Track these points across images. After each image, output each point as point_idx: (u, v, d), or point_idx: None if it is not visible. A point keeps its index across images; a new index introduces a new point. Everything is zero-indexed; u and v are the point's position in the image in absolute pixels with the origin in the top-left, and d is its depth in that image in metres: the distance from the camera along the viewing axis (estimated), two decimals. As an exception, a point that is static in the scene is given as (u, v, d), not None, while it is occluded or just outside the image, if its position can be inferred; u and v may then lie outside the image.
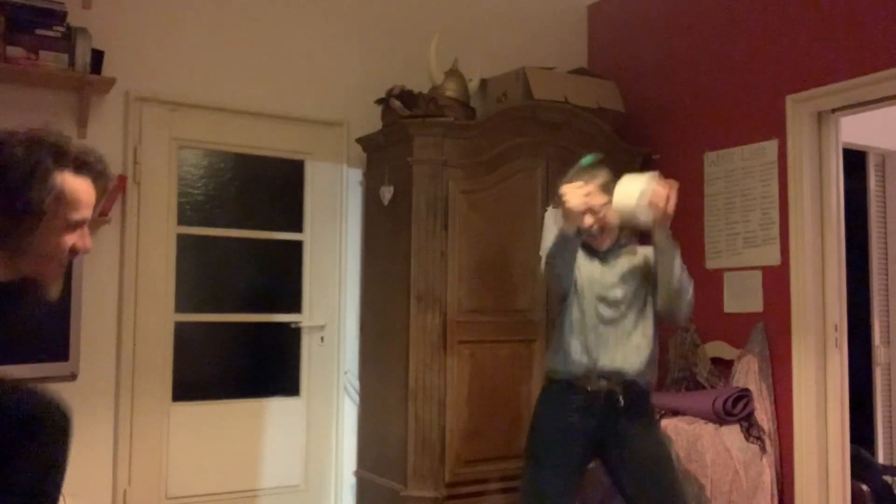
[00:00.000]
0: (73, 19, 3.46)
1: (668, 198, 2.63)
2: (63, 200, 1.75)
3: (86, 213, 1.82)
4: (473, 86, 4.09)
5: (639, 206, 2.62)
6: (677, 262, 2.73)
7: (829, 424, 3.58)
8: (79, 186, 1.79)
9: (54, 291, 1.94)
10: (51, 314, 3.24)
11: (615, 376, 2.77)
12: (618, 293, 2.83)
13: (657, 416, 2.93)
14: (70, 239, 1.81)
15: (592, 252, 2.92)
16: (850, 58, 3.48)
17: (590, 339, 2.80)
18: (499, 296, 3.80)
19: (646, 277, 2.86)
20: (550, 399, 2.91)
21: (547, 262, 2.82)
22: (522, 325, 3.85)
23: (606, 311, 2.82)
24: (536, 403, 3.01)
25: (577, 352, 2.80)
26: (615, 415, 2.77)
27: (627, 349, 2.79)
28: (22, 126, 1.79)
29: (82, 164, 1.80)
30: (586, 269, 2.89)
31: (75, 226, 1.81)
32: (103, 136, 3.62)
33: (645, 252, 2.88)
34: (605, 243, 2.91)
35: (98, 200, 1.89)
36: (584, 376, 2.79)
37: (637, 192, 2.64)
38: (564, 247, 2.74)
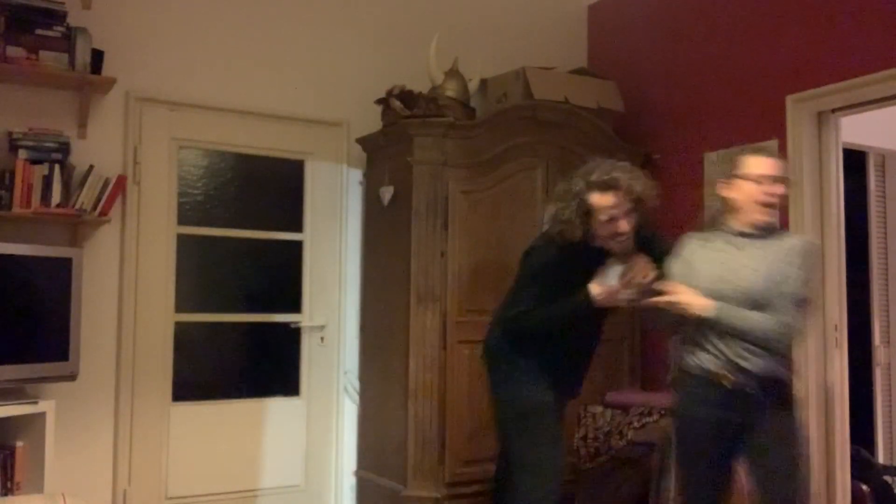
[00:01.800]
0: (73, 19, 3.46)
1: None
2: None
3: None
4: (473, 86, 4.09)
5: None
6: (747, 326, 2.57)
7: (829, 424, 3.58)
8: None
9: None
10: (51, 314, 3.25)
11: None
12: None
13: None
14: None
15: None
16: (850, 58, 3.48)
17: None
18: (499, 296, 3.78)
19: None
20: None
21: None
22: (522, 325, 3.84)
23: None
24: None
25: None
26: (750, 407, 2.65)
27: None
28: None
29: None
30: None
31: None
32: (103, 136, 3.62)
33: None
34: None
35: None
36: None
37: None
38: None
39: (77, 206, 3.40)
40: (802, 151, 3.66)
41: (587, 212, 2.78)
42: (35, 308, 3.23)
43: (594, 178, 2.79)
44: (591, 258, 2.85)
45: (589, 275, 2.81)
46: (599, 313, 2.91)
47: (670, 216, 4.30)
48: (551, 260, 2.89)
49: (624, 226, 2.78)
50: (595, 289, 2.74)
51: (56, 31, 3.39)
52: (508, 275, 3.81)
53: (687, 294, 2.61)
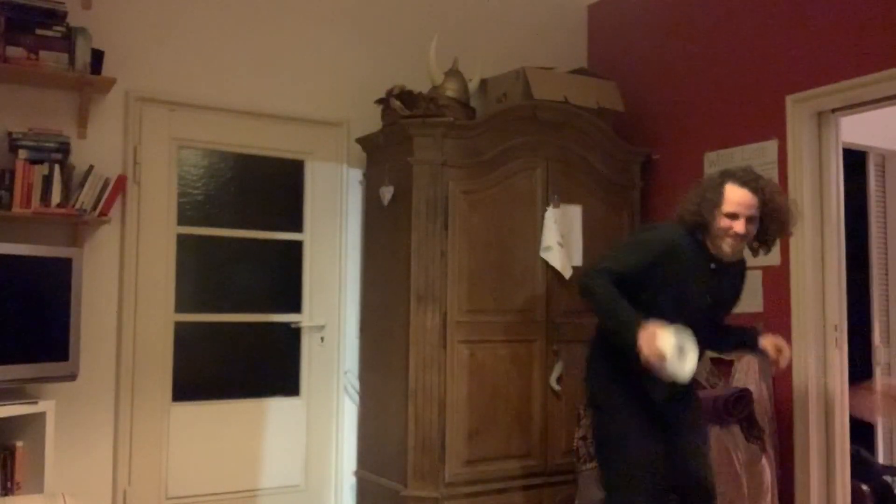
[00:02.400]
0: (73, 19, 3.46)
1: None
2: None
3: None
4: (473, 86, 4.09)
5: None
6: None
7: (829, 424, 3.58)
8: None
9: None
10: (51, 314, 3.25)
11: None
12: None
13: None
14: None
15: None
16: (850, 58, 3.48)
17: None
18: (499, 296, 3.80)
19: None
20: None
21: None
22: (522, 325, 3.85)
23: None
24: None
25: None
26: None
27: None
28: None
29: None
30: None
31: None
32: (103, 136, 3.62)
33: None
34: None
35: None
36: None
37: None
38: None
39: (77, 206, 3.40)
40: (802, 151, 3.66)
41: (716, 201, 2.78)
42: (35, 308, 3.23)
43: (738, 171, 2.82)
44: (698, 265, 2.86)
45: (683, 286, 2.83)
46: None
47: (671, 216, 4.30)
48: (663, 238, 2.87)
49: (741, 227, 2.75)
50: (645, 337, 2.65)
51: (56, 31, 3.39)
52: (509, 275, 3.83)
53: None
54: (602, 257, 2.99)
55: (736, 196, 2.76)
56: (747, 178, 2.79)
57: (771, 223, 2.83)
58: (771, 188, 2.83)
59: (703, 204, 2.80)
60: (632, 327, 2.68)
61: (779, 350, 2.90)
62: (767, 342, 2.92)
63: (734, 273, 2.96)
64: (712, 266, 2.87)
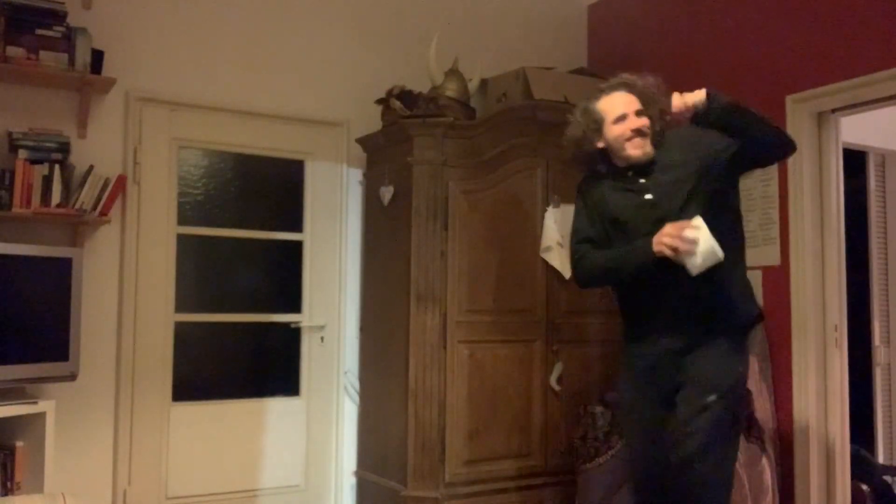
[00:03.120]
0: (73, 19, 3.46)
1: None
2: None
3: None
4: (473, 86, 4.09)
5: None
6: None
7: (829, 424, 3.58)
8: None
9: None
10: (51, 314, 3.25)
11: None
12: None
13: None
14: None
15: None
16: (850, 58, 3.48)
17: None
18: (499, 296, 3.80)
19: None
20: None
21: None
22: (522, 325, 3.84)
23: None
24: None
25: None
26: None
27: None
28: None
29: None
30: None
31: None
32: (103, 136, 3.63)
33: None
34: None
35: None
36: None
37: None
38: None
39: (77, 206, 3.40)
40: (802, 151, 3.66)
41: (599, 121, 2.71)
42: (35, 308, 3.23)
43: (599, 88, 2.78)
44: (618, 186, 2.75)
45: (622, 213, 2.72)
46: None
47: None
48: (577, 192, 2.85)
49: (635, 122, 2.67)
50: (664, 232, 2.54)
51: (56, 31, 3.39)
52: (508, 275, 3.83)
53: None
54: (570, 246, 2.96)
55: (613, 101, 2.72)
56: (612, 84, 2.75)
57: (653, 107, 2.73)
58: (634, 78, 2.76)
59: (587, 134, 2.74)
60: (640, 248, 2.61)
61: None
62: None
63: (681, 148, 2.71)
64: (630, 174, 2.74)
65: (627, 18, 4.69)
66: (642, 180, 2.72)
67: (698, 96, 2.61)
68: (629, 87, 2.73)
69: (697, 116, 2.63)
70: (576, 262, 2.84)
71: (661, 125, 2.74)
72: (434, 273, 3.64)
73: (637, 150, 2.69)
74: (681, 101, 2.63)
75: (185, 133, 3.84)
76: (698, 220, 2.52)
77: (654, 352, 2.72)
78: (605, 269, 2.76)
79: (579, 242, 2.82)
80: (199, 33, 3.86)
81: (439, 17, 4.39)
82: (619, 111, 2.70)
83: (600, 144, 2.75)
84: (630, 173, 2.74)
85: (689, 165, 2.66)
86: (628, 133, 2.68)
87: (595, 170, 2.82)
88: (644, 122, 2.70)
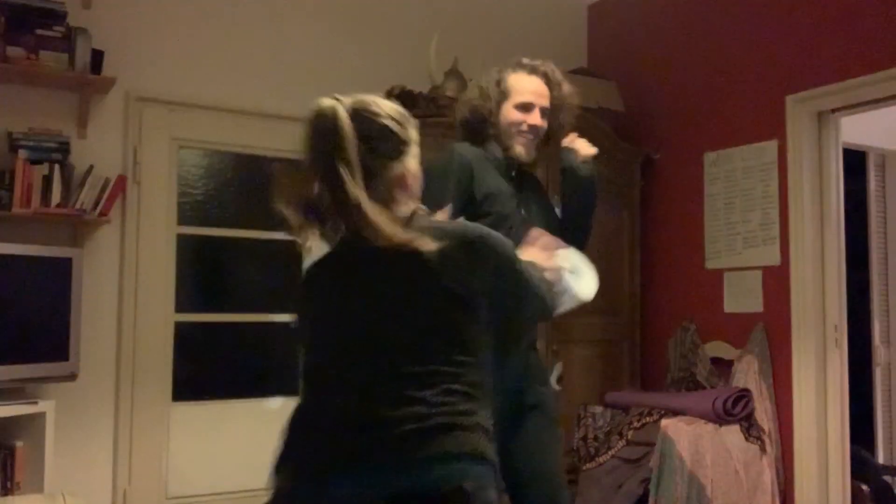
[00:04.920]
0: (73, 19, 3.46)
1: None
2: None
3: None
4: (473, 86, 4.08)
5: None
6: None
7: (829, 424, 3.58)
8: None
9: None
10: (51, 314, 3.25)
11: None
12: None
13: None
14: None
15: None
16: (850, 58, 3.48)
17: None
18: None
19: None
20: None
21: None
22: (522, 325, 3.84)
23: None
24: None
25: None
26: None
27: None
28: None
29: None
30: None
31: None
32: (103, 136, 3.62)
33: None
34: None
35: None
36: None
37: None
38: None
39: (77, 206, 3.40)
40: (802, 151, 3.66)
41: (501, 96, 2.37)
42: (35, 308, 3.23)
43: (521, 60, 2.44)
44: (501, 179, 2.35)
45: (502, 207, 2.31)
46: None
47: (671, 216, 4.31)
48: (454, 160, 2.30)
49: (537, 118, 2.34)
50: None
51: (56, 31, 3.39)
52: (508, 275, 3.82)
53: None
54: None
55: (524, 84, 2.38)
56: (534, 66, 2.42)
57: (557, 117, 2.42)
58: (559, 76, 2.45)
59: (487, 103, 2.38)
60: None
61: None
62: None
63: (533, 184, 2.48)
64: (513, 174, 2.40)
65: (627, 18, 4.69)
66: (517, 191, 2.39)
67: (592, 152, 2.47)
68: (548, 81, 2.42)
69: (573, 168, 2.45)
70: None
71: (545, 142, 2.45)
72: (434, 273, 3.63)
73: (523, 148, 2.37)
74: (587, 144, 2.47)
75: (184, 133, 3.84)
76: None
77: None
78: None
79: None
80: (199, 33, 3.86)
81: (439, 17, 4.38)
82: (526, 98, 2.37)
83: (495, 119, 2.38)
84: (513, 172, 2.41)
85: (543, 214, 2.43)
86: (525, 125, 2.36)
87: (478, 144, 2.39)
88: (543, 124, 2.39)
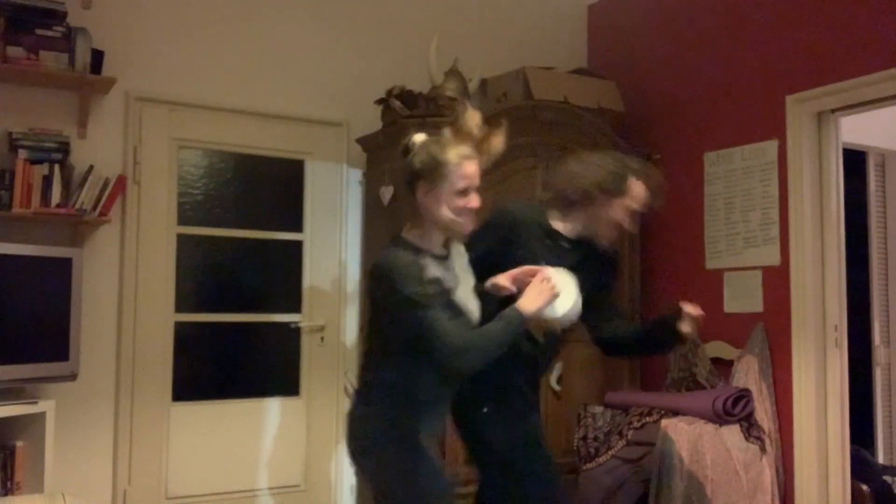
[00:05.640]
0: (73, 19, 3.46)
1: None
2: None
3: None
4: (473, 86, 4.09)
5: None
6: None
7: (829, 424, 3.58)
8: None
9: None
10: (51, 314, 3.25)
11: None
12: None
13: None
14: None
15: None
16: (850, 58, 3.48)
17: None
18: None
19: None
20: None
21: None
22: (522, 325, 3.84)
23: None
24: None
25: None
26: None
27: None
28: None
29: None
30: None
31: None
32: (103, 136, 3.63)
33: None
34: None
35: None
36: None
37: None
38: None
39: (77, 206, 3.40)
40: (802, 151, 3.66)
41: (617, 191, 2.58)
42: (35, 308, 3.23)
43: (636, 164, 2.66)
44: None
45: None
46: None
47: (671, 216, 4.31)
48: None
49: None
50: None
51: (56, 31, 3.39)
52: (508, 275, 3.82)
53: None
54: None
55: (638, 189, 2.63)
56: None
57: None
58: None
59: (603, 187, 2.58)
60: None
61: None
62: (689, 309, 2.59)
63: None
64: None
65: (627, 18, 4.69)
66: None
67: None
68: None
69: (684, 336, 2.61)
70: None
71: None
72: (434, 273, 3.63)
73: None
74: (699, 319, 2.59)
75: (184, 133, 3.84)
76: None
77: None
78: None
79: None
80: (199, 33, 3.86)
81: (439, 17, 4.39)
82: (635, 204, 2.64)
83: (599, 205, 2.64)
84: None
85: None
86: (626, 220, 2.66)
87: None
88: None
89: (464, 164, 2.19)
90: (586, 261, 2.63)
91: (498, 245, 2.56)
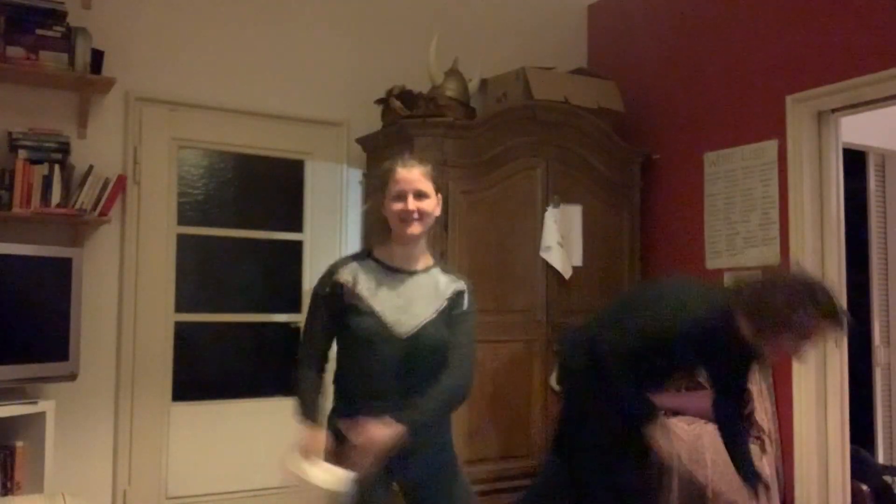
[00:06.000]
0: (73, 19, 3.46)
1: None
2: None
3: None
4: (473, 86, 4.09)
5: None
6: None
7: (829, 424, 3.58)
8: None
9: None
10: (51, 314, 3.25)
11: None
12: None
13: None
14: None
15: None
16: (850, 58, 3.48)
17: None
18: (499, 296, 3.80)
19: None
20: None
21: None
22: (522, 325, 3.84)
23: None
24: None
25: None
26: None
27: None
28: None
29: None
30: None
31: None
32: (103, 136, 3.62)
33: None
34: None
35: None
36: None
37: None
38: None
39: (77, 206, 3.40)
40: (802, 151, 3.66)
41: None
42: (35, 308, 3.23)
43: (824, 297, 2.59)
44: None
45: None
46: None
47: (671, 216, 4.31)
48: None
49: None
50: None
51: (56, 31, 3.39)
52: (509, 275, 3.83)
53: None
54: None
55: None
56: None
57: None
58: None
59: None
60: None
61: None
62: None
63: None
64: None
65: (627, 18, 4.69)
66: None
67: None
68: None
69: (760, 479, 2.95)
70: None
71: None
72: (434, 273, 3.63)
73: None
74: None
75: (184, 133, 3.84)
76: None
77: None
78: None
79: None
80: (199, 33, 3.86)
81: (439, 17, 4.39)
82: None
83: None
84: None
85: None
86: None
87: None
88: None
89: (398, 169, 2.30)
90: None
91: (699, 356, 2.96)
